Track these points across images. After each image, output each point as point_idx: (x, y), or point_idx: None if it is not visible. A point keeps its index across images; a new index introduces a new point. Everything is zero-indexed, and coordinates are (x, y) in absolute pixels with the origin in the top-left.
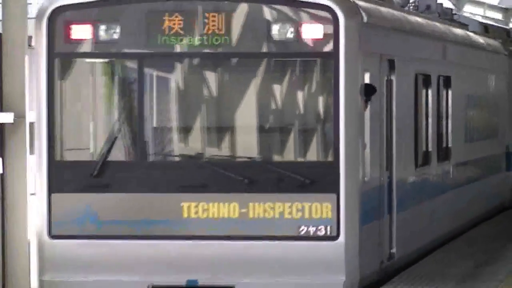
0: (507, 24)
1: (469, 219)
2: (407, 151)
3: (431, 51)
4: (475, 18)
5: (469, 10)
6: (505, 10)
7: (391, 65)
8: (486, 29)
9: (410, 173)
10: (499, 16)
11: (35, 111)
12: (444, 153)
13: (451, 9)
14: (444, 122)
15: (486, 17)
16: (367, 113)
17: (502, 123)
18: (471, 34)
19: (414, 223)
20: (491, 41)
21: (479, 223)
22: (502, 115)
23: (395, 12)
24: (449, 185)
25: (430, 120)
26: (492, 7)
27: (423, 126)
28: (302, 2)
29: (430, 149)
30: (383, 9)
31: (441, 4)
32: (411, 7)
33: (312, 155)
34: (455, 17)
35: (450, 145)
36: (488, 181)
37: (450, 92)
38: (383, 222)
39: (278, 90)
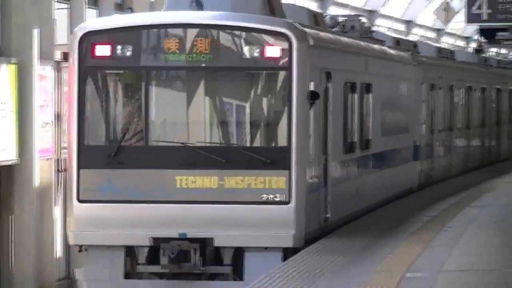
0: (408, 34)
1: (385, 197)
2: (338, 141)
3: (356, 64)
4: (389, 34)
5: (380, 23)
6: (407, 22)
7: (328, 76)
8: (398, 43)
9: (340, 157)
10: (402, 27)
11: (68, 107)
12: (365, 144)
13: (370, 28)
14: (365, 120)
15: (393, 29)
16: (312, 112)
17: (411, 121)
18: (386, 48)
19: (343, 196)
20: (402, 54)
21: (393, 201)
22: (411, 114)
23: (330, 36)
24: (369, 169)
25: (355, 118)
26: (397, 20)
27: (350, 122)
28: (266, 30)
29: (355, 140)
30: (322, 33)
31: (363, 23)
32: (338, 27)
33: (272, 142)
34: (373, 34)
35: (370, 137)
36: (399, 168)
37: (370, 96)
38: (321, 193)
39: (248, 94)
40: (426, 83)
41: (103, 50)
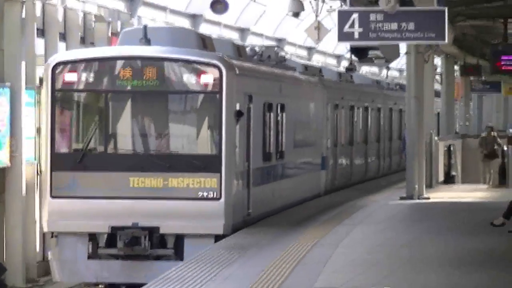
0: (309, 60)
1: (297, 199)
2: (258, 151)
3: (272, 88)
4: (299, 61)
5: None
6: (308, 49)
7: (250, 98)
8: (306, 68)
9: (260, 164)
10: (304, 53)
11: (43, 123)
12: (280, 154)
13: (284, 57)
14: (280, 134)
15: (297, 55)
16: (237, 127)
17: (319, 136)
18: (297, 74)
19: (262, 196)
20: (311, 78)
21: (302, 203)
22: (319, 130)
23: (251, 65)
24: (283, 175)
25: (272, 132)
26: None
27: (268, 136)
28: (202, 62)
29: (271, 151)
30: (245, 64)
31: (277, 53)
32: (257, 57)
33: (206, 150)
34: (286, 62)
35: (284, 149)
36: (309, 175)
37: (284, 114)
38: (244, 193)
39: (187, 112)
40: (331, 103)
41: (70, 77)
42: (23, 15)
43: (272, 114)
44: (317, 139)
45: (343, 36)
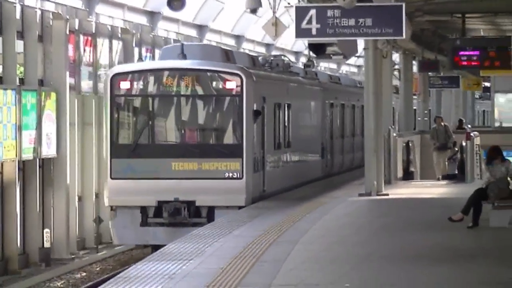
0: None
1: (301, 181)
2: (271, 141)
3: (280, 90)
4: (300, 67)
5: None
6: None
7: (264, 99)
8: (306, 73)
9: (272, 152)
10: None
11: (104, 121)
12: (288, 143)
13: (289, 64)
14: (288, 127)
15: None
16: (255, 123)
17: (319, 129)
18: (300, 78)
19: (274, 177)
20: (312, 81)
21: (307, 183)
22: (318, 125)
23: (264, 73)
24: (290, 160)
25: (281, 126)
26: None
27: (278, 129)
28: (227, 72)
29: (281, 140)
30: (260, 72)
31: (284, 61)
32: (267, 65)
33: (231, 140)
34: (291, 68)
35: (290, 140)
36: (311, 162)
37: (291, 112)
38: (260, 174)
39: (216, 111)
40: (327, 102)
41: (125, 85)
42: None
43: (281, 112)
44: (317, 132)
45: (300, 33)
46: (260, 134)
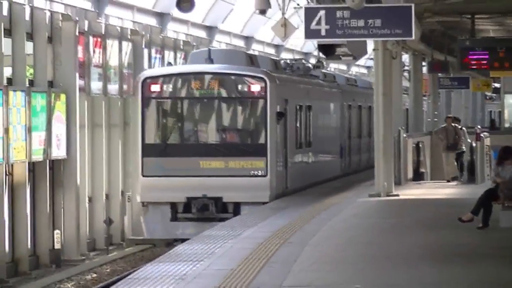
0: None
1: (322, 178)
2: (293, 141)
3: (302, 93)
4: (320, 70)
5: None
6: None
7: (287, 101)
8: (325, 76)
9: (294, 151)
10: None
11: (136, 122)
12: (308, 143)
13: (310, 67)
14: (309, 128)
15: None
16: (279, 124)
17: (338, 129)
18: (319, 81)
19: (296, 174)
20: (331, 83)
21: (327, 181)
22: (337, 126)
23: (287, 76)
24: (311, 159)
25: (302, 127)
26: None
27: (299, 129)
28: (251, 75)
29: (302, 140)
30: (283, 75)
31: (304, 64)
32: (289, 68)
33: (256, 140)
34: (311, 72)
35: (311, 140)
36: (330, 161)
37: (311, 113)
38: (283, 172)
39: (242, 112)
40: (345, 104)
41: (155, 88)
42: None
43: (302, 113)
44: (336, 133)
45: (310, 34)
46: (283, 134)
